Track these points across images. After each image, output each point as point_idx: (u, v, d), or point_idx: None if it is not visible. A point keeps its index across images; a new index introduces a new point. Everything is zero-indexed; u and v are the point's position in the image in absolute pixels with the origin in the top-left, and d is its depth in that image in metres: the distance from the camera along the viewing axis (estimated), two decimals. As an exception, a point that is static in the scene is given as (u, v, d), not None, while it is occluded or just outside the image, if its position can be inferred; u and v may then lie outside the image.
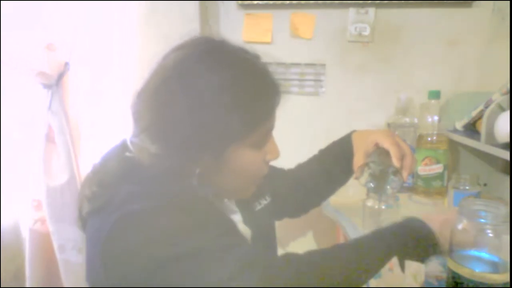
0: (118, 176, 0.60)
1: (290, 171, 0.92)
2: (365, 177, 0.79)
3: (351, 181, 0.85)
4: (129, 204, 0.55)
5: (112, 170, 0.61)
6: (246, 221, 0.72)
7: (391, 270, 0.74)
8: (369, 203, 0.98)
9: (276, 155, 0.68)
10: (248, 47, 0.65)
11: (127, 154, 0.61)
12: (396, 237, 0.65)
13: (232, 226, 0.61)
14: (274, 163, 0.71)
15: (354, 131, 0.86)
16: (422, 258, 0.65)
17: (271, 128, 0.66)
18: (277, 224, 0.86)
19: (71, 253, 1.22)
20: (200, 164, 0.59)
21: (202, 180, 0.60)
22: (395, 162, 0.74)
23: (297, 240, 1.51)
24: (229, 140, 0.59)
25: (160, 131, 0.58)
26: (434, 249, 0.66)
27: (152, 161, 0.57)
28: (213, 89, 0.57)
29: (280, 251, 1.00)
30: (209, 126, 0.57)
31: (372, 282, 0.66)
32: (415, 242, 0.65)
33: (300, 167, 0.92)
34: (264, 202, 0.79)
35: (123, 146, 0.63)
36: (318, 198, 0.94)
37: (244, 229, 0.70)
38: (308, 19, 1.39)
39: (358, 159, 0.80)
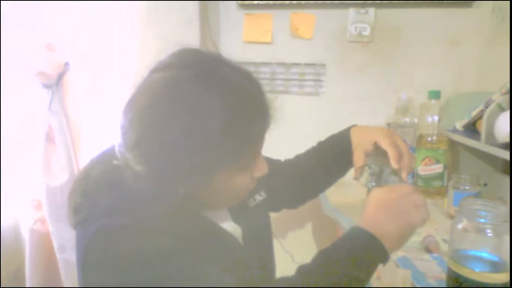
0: (101, 188, 0.61)
1: (287, 162, 0.92)
2: (365, 177, 0.80)
3: (351, 181, 0.85)
4: (106, 219, 0.56)
5: (95, 180, 0.62)
6: (237, 220, 0.71)
7: (379, 278, 0.74)
8: (369, 203, 0.98)
9: (263, 171, 0.66)
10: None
11: (115, 162, 0.60)
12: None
13: (214, 251, 0.60)
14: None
15: (353, 125, 0.86)
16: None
17: (259, 149, 0.65)
18: (275, 218, 0.85)
19: (71, 253, 1.22)
20: (185, 187, 0.58)
21: (186, 198, 0.59)
22: (393, 163, 0.74)
23: (295, 234, 1.51)
24: (218, 166, 0.59)
25: (147, 154, 0.57)
26: None
27: (136, 181, 0.57)
28: (204, 115, 0.56)
29: (278, 247, 0.99)
30: (199, 153, 0.56)
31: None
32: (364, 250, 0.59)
33: (298, 158, 0.92)
34: (259, 198, 0.78)
35: (112, 152, 0.62)
36: (315, 189, 0.94)
37: (234, 229, 0.70)
38: (308, 19, 1.39)
39: (357, 159, 0.80)
